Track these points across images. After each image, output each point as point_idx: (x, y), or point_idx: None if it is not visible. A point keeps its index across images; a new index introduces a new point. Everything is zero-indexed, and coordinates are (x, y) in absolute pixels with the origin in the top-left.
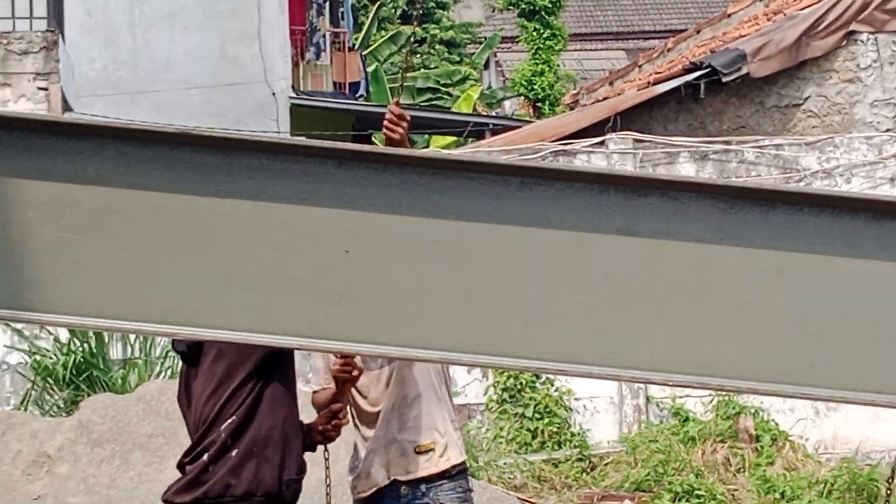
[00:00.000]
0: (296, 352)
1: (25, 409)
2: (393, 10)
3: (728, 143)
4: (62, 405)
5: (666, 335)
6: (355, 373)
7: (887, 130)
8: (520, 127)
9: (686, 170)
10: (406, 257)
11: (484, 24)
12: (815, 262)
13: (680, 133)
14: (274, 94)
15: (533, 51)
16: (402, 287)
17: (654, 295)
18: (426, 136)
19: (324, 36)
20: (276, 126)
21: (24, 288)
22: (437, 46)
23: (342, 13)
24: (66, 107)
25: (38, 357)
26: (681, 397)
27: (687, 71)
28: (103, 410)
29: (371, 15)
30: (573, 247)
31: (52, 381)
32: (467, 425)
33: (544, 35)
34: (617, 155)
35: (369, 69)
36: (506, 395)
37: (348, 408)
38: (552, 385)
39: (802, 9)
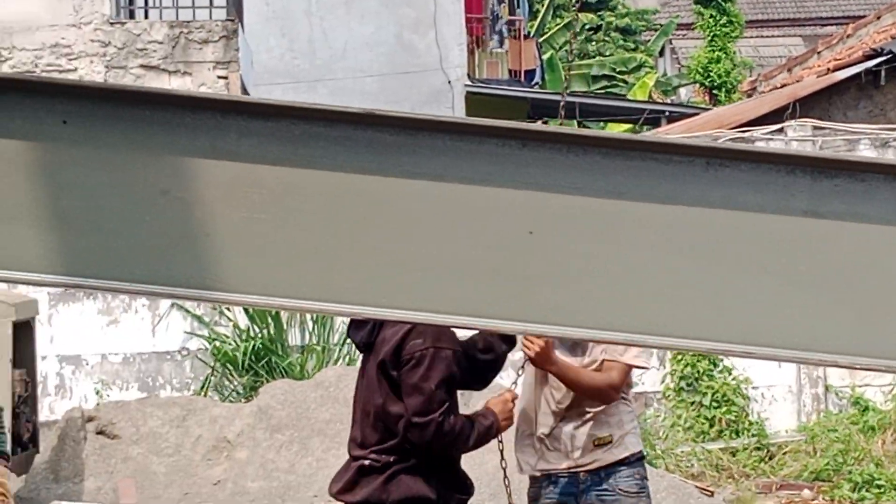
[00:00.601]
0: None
1: (205, 395)
2: None
3: None
4: (241, 391)
5: (852, 318)
6: (536, 348)
7: None
8: (696, 114)
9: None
10: (589, 239)
11: (659, 12)
12: None
13: (860, 120)
14: (449, 81)
15: (709, 38)
16: (585, 269)
17: (840, 278)
18: (601, 123)
19: (506, 23)
20: (452, 113)
21: (207, 267)
22: (613, 34)
23: (518, 1)
24: (245, 95)
25: (217, 343)
26: (860, 386)
27: (867, 57)
28: (282, 396)
29: (546, 3)
30: (758, 229)
31: (231, 367)
32: (644, 414)
33: (720, 22)
34: (796, 142)
35: (544, 57)
36: (683, 384)
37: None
38: (730, 373)
39: None
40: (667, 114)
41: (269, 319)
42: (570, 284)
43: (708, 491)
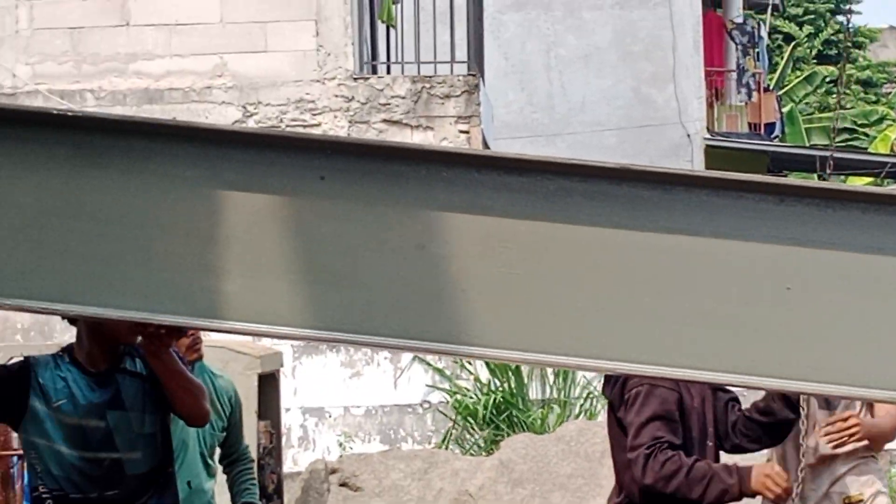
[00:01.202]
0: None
1: (447, 448)
2: (808, 51)
3: None
4: (482, 444)
5: None
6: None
7: None
8: None
9: None
10: (849, 294)
11: None
12: None
13: None
14: (688, 135)
15: None
16: (845, 324)
17: None
18: (842, 177)
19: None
20: (691, 167)
21: (462, 322)
22: (854, 86)
23: (757, 53)
24: (487, 149)
25: (458, 396)
26: None
27: None
28: (523, 450)
29: (786, 55)
30: None
31: (472, 421)
32: (889, 472)
33: None
34: None
35: (784, 109)
36: None
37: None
38: None
39: None
40: None
41: (510, 373)
42: (830, 340)
43: None
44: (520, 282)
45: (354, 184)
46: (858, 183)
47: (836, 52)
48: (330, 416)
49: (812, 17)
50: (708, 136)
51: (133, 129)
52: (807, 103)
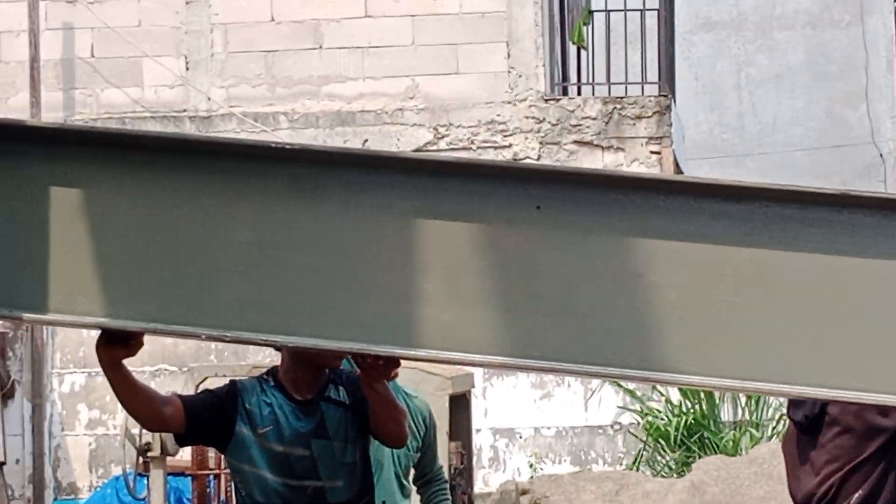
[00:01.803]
0: None
1: (637, 470)
2: None
3: None
4: (673, 466)
5: None
6: None
7: None
8: None
9: None
10: None
11: None
12: None
13: None
14: (881, 154)
15: None
16: None
17: None
18: None
19: None
20: (884, 188)
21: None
22: None
23: None
24: (677, 170)
25: (650, 418)
26: None
27: None
28: (715, 472)
29: None
30: None
31: (663, 442)
32: None
33: None
34: None
35: None
36: None
37: None
38: None
39: None
40: None
41: (702, 394)
42: None
43: None
44: (737, 310)
45: (571, 213)
46: None
47: None
48: (520, 437)
49: None
50: None
51: (350, 161)
52: None
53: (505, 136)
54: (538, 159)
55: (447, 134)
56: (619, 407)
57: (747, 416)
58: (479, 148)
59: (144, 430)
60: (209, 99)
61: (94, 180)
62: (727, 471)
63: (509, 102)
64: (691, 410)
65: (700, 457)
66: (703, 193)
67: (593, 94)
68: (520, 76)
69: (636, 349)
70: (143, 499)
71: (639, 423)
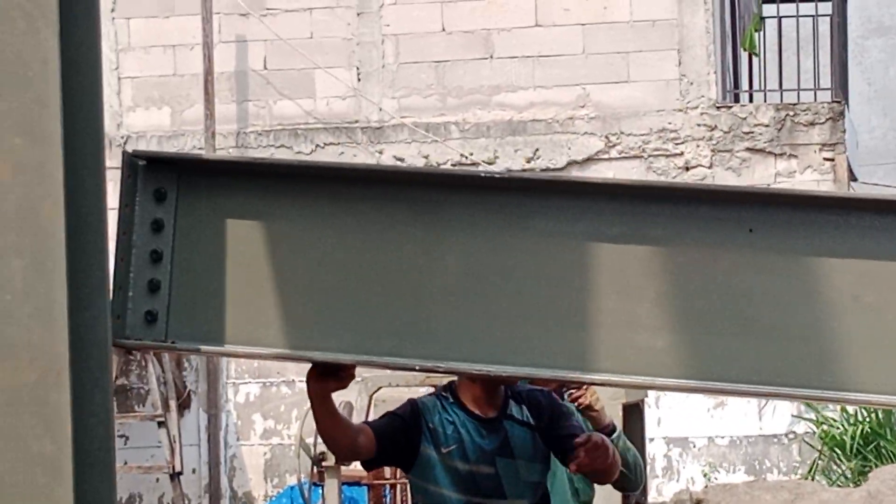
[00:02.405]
0: None
1: (813, 479)
2: None
3: None
4: (849, 475)
5: None
6: None
7: None
8: None
9: None
10: None
11: None
12: None
13: None
14: None
15: None
16: None
17: None
18: None
19: None
20: None
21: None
22: None
23: None
24: (851, 177)
25: (825, 427)
26: None
27: None
28: (892, 482)
29: None
30: None
31: (839, 451)
32: None
33: None
34: None
35: None
36: None
37: None
38: None
39: None
40: None
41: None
42: None
43: None
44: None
45: (784, 235)
46: None
47: None
48: (694, 447)
49: None
50: None
51: (556, 189)
52: None
53: (676, 143)
54: (710, 167)
55: (618, 143)
56: (793, 416)
57: None
58: (650, 156)
59: (319, 440)
60: (381, 109)
61: (303, 213)
62: None
63: (681, 110)
64: (867, 419)
65: (877, 466)
66: None
67: (765, 101)
68: (691, 83)
69: (854, 372)
70: None
71: (814, 433)
